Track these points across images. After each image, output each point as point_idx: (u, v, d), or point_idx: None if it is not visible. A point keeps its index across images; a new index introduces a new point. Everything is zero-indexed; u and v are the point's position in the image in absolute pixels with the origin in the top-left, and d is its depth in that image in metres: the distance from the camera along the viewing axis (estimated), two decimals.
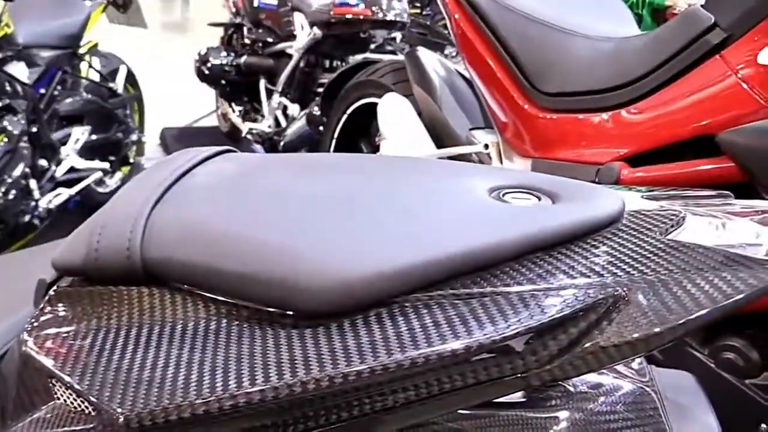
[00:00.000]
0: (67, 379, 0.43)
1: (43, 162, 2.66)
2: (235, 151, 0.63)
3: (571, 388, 0.52)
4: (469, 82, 1.84)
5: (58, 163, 2.79)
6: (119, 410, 0.41)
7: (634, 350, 0.43)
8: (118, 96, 3.19)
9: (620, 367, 0.60)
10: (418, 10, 4.98)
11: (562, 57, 1.52)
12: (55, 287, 0.52)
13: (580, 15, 1.60)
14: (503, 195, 0.54)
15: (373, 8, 3.28)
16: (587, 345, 0.43)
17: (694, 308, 0.43)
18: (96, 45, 3.16)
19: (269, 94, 3.73)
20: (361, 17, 3.28)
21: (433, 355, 0.41)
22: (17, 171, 2.45)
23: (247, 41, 3.96)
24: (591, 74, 1.44)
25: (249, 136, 3.84)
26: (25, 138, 2.49)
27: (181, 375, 0.42)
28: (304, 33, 3.43)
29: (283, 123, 3.60)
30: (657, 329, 0.42)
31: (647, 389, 0.53)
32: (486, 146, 1.71)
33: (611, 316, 0.43)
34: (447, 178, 0.59)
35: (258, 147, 3.89)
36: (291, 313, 0.44)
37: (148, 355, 0.43)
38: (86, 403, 0.42)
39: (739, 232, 0.52)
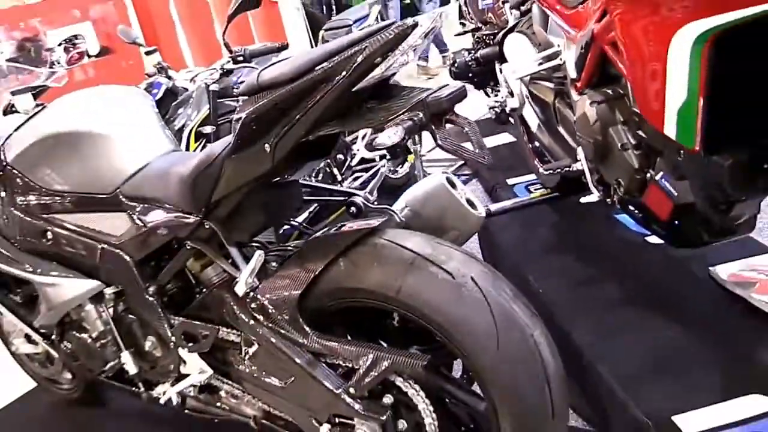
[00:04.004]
0: None
1: (340, 156, 3.95)
2: None
3: None
4: None
5: (352, 156, 4.07)
6: None
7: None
8: None
9: None
10: None
11: None
12: None
13: None
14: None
15: None
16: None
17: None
18: None
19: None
20: None
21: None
22: (322, 162, 3.76)
23: (480, 38, 4.98)
24: None
25: (495, 110, 4.86)
26: None
27: None
28: (511, 17, 4.33)
29: None
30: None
31: None
32: (558, 45, 2.49)
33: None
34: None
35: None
36: None
37: None
38: None
39: None
